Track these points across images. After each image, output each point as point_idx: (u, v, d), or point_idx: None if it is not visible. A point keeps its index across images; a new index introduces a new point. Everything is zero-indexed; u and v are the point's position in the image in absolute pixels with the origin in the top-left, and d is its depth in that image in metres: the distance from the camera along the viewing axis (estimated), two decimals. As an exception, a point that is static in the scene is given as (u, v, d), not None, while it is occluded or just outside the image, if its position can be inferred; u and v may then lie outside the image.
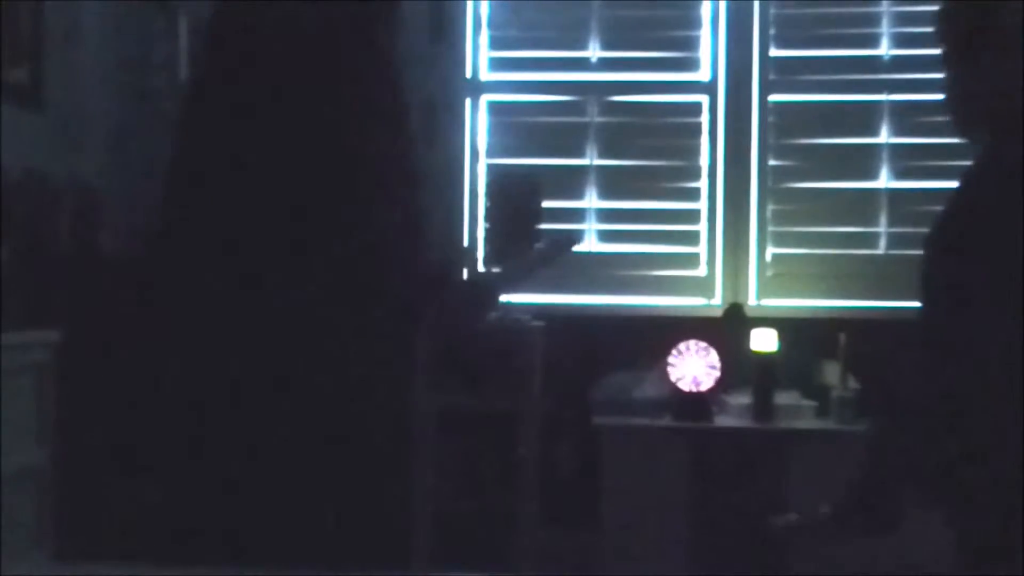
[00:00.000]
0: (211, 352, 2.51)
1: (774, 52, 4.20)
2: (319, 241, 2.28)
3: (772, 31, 4.20)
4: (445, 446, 3.64)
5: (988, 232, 2.08)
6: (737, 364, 3.83)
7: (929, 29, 4.30)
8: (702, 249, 4.20)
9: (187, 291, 2.41)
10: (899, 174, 4.09)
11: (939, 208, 2.47)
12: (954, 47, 2.25)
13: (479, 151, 4.24)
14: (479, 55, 4.28)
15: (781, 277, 4.15)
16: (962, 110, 2.32)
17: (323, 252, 2.29)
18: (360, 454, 3.61)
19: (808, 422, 3.75)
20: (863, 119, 4.11)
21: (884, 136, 4.10)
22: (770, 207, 4.18)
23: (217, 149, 2.31)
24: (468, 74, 4.26)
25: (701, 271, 4.21)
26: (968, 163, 2.39)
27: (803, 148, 4.15)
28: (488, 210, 3.95)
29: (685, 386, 3.78)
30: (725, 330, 3.95)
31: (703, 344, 3.79)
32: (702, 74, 4.24)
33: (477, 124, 4.26)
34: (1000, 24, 2.15)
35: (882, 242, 4.12)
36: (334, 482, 3.79)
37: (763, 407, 3.72)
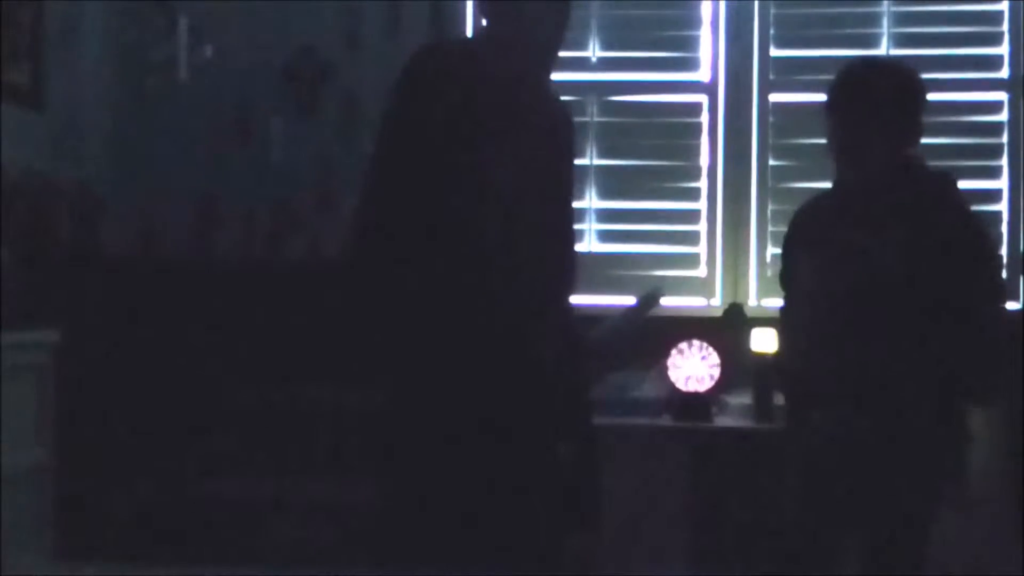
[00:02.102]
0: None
1: (774, 52, 4.20)
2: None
3: (772, 31, 4.20)
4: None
5: None
6: (737, 364, 3.83)
7: (929, 29, 4.34)
8: (702, 249, 4.20)
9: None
10: (899, 174, 4.09)
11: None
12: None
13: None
14: (479, 55, 4.28)
15: (781, 277, 4.15)
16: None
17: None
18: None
19: (808, 422, 3.74)
20: (863, 119, 4.10)
21: (884, 136, 4.10)
22: (770, 207, 4.18)
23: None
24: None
25: (701, 271, 4.21)
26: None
27: (803, 148, 4.14)
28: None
29: (685, 386, 3.78)
30: (725, 330, 3.95)
31: (703, 344, 3.79)
32: (702, 74, 4.24)
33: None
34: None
35: (882, 242, 4.12)
36: (334, 480, 3.79)
37: (763, 407, 3.72)
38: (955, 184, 2.89)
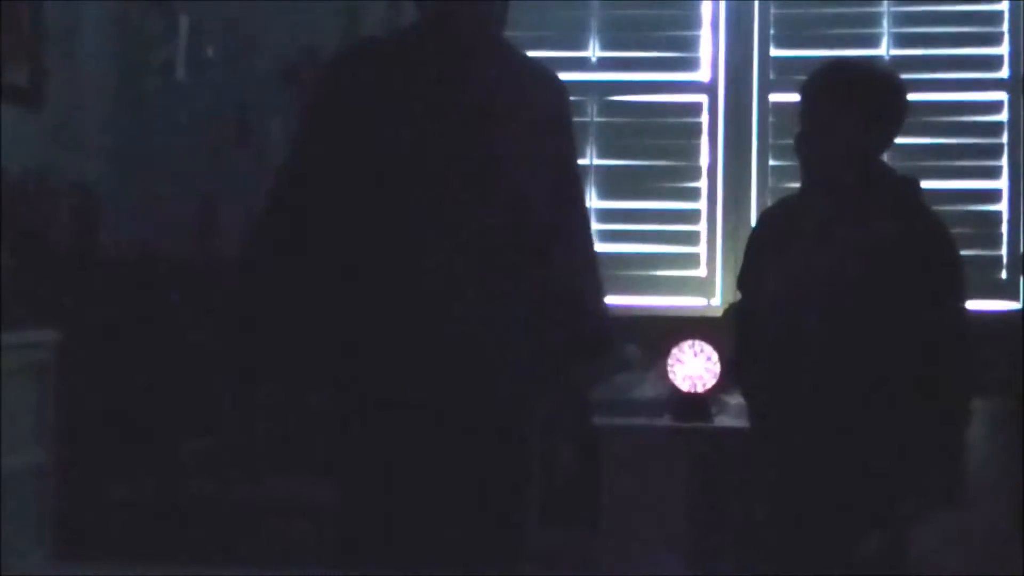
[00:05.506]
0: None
1: (774, 52, 4.20)
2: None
3: (772, 31, 4.20)
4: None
5: None
6: (737, 364, 3.83)
7: (929, 29, 4.32)
8: (702, 249, 4.20)
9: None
10: (899, 174, 4.09)
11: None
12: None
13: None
14: (479, 55, 4.28)
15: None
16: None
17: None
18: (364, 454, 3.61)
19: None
20: (863, 119, 4.11)
21: (884, 136, 4.10)
22: (770, 207, 4.18)
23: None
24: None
25: (701, 271, 4.21)
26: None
27: (803, 148, 4.14)
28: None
29: (685, 386, 3.78)
30: (725, 330, 3.94)
31: (703, 344, 3.79)
32: (702, 74, 4.24)
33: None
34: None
35: (882, 242, 4.12)
36: (332, 482, 3.78)
37: (763, 407, 3.72)
38: (919, 187, 2.84)
